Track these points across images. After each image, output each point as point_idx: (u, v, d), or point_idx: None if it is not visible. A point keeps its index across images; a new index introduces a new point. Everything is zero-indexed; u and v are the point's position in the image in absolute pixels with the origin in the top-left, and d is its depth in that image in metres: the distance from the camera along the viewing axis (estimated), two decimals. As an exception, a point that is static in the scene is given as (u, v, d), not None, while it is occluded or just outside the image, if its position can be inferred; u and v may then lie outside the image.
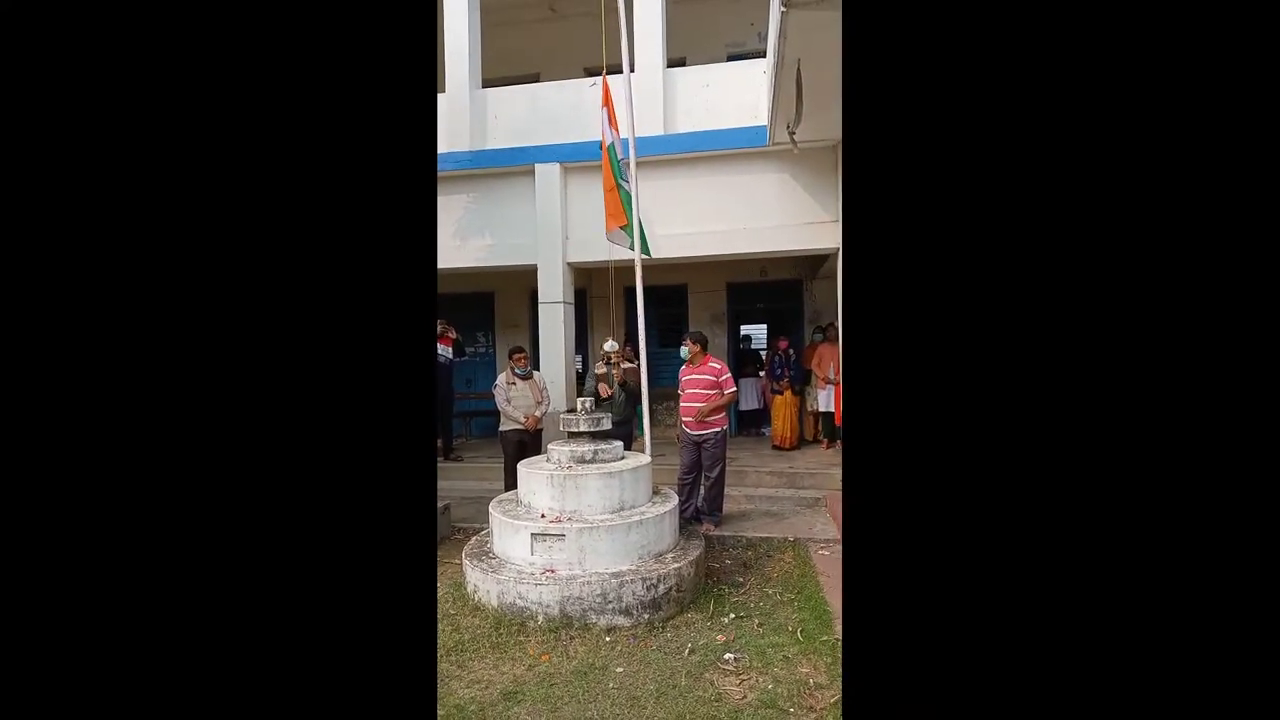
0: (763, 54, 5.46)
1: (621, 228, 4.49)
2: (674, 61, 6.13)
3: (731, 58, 6.80)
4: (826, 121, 4.55)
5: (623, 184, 4.43)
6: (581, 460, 3.34)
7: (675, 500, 3.46)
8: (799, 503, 4.98)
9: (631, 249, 4.42)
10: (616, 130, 4.49)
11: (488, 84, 6.28)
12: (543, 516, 3.13)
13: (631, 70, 4.54)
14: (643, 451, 4.07)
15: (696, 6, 6.88)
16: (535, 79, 6.93)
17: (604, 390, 4.72)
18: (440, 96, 6.12)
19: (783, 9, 3.24)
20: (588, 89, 5.74)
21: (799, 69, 3.93)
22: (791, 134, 4.77)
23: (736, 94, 5.59)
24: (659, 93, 5.64)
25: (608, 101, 4.47)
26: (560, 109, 5.90)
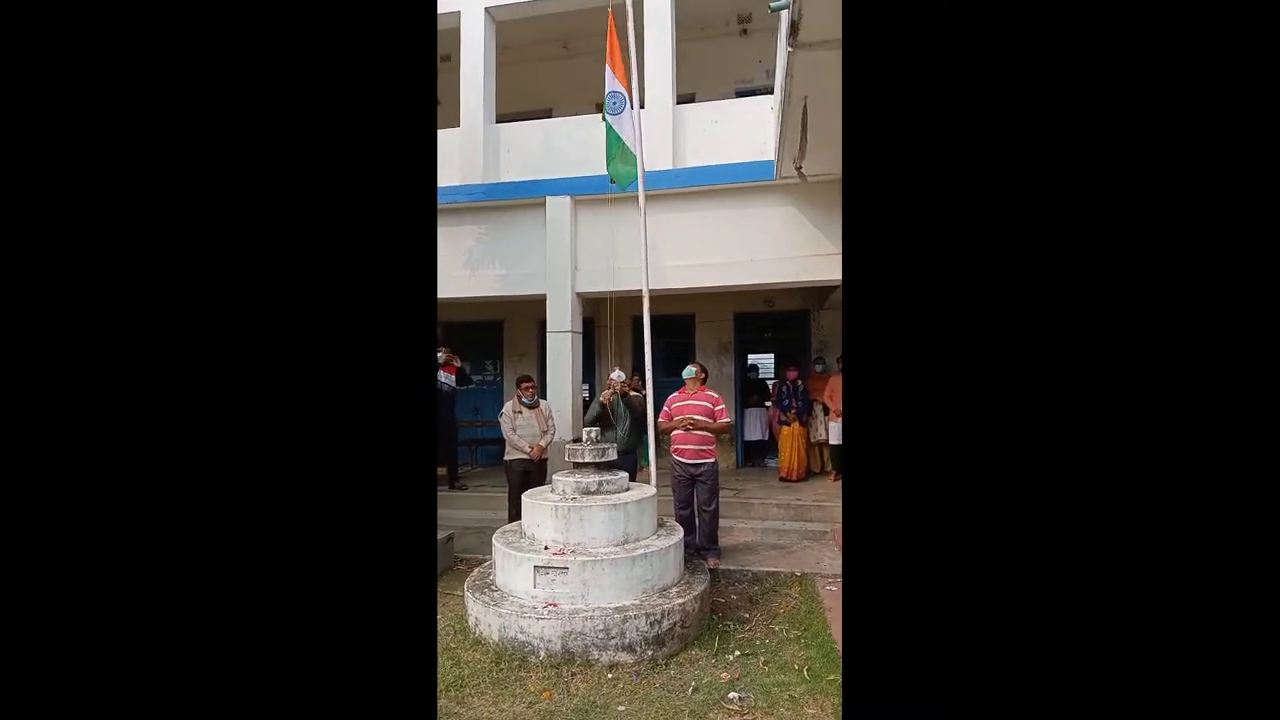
0: (770, 90, 5.58)
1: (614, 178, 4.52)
2: (683, 97, 6.27)
3: (740, 94, 6.94)
4: (832, 156, 4.62)
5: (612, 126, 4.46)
6: (586, 491, 3.32)
7: (680, 533, 3.42)
8: (806, 536, 4.91)
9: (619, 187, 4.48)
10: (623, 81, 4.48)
11: (501, 119, 6.44)
12: (546, 548, 3.10)
13: (642, 106, 4.66)
14: (648, 482, 4.05)
15: (706, 44, 7.06)
16: (548, 114, 7.10)
17: (606, 397, 4.67)
18: (454, 131, 6.28)
19: (789, 49, 3.32)
20: (599, 124, 5.87)
21: (805, 106, 4.01)
22: (798, 168, 4.84)
23: (744, 129, 5.69)
24: (669, 128, 5.76)
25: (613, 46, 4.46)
26: (572, 143, 6.02)
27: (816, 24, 3.07)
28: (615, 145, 4.48)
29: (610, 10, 4.50)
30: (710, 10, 6.63)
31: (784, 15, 3.23)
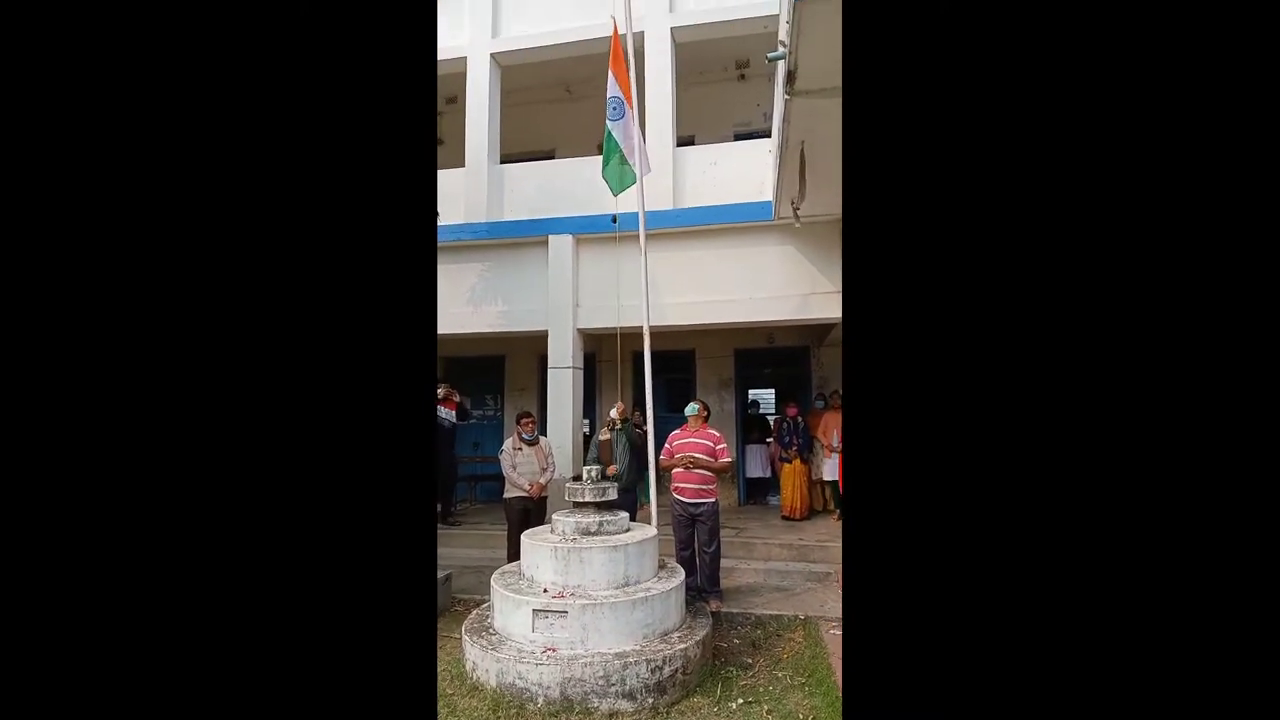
0: (768, 133, 5.72)
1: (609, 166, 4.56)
2: (683, 140, 6.43)
3: (738, 136, 7.12)
4: (829, 198, 4.71)
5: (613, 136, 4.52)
6: (586, 532, 3.28)
7: (681, 575, 3.37)
8: (809, 577, 4.83)
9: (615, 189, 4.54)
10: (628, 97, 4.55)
11: (505, 159, 6.59)
12: (545, 591, 3.05)
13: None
14: (649, 521, 4.01)
15: (705, 89, 7.26)
16: (550, 155, 7.27)
17: (611, 469, 4.65)
18: (459, 171, 6.41)
19: (786, 97, 3.42)
20: (600, 165, 6.00)
21: (802, 150, 4.11)
22: (795, 209, 4.93)
23: (742, 171, 5.82)
24: (669, 169, 5.88)
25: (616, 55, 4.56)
26: (574, 184, 6.15)
27: (812, 73, 3.17)
28: (613, 151, 4.57)
29: (614, 19, 4.65)
30: (709, 57, 6.83)
31: (780, 65, 3.33)
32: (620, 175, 4.57)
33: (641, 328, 4.44)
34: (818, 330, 6.91)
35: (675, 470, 4.20)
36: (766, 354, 7.56)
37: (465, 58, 6.50)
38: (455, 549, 5.57)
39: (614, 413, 4.79)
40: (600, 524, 3.32)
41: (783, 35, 3.17)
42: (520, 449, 4.79)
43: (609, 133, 4.56)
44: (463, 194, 6.33)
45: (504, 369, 7.95)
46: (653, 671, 2.77)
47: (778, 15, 4.18)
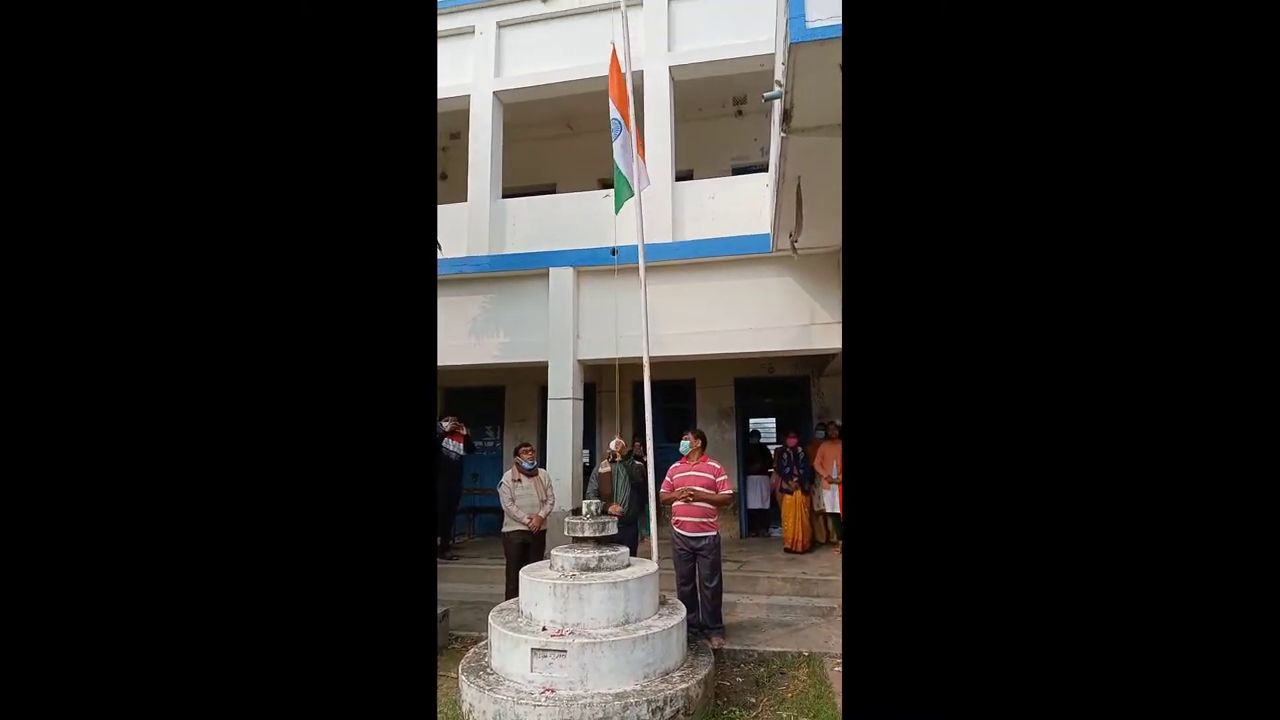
0: (765, 167, 5.82)
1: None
2: (682, 175, 6.54)
3: (736, 171, 7.24)
4: (827, 230, 4.78)
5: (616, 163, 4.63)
6: (585, 568, 3.24)
7: (683, 612, 3.32)
8: (813, 612, 4.75)
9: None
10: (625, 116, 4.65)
11: (508, 194, 6.70)
12: (544, 629, 3.00)
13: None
14: (649, 554, 3.96)
15: (703, 124, 7.42)
16: (552, 189, 7.39)
17: (615, 510, 4.61)
18: (462, 205, 6.51)
19: (783, 134, 3.50)
20: (601, 199, 6.10)
21: (799, 184, 4.18)
22: (793, 242, 4.99)
23: (740, 204, 5.91)
24: (668, 204, 5.98)
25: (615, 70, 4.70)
26: (575, 217, 6.24)
27: (807, 111, 3.25)
28: (616, 169, 4.69)
29: (613, 44, 4.78)
30: (706, 94, 7.00)
31: (776, 103, 3.42)
32: (619, 191, 4.69)
33: (641, 358, 4.46)
34: (817, 360, 6.93)
35: (676, 503, 4.16)
36: (767, 383, 7.56)
37: (469, 96, 6.66)
38: (453, 584, 5.49)
39: (613, 445, 4.77)
40: (600, 559, 3.28)
41: (778, 75, 3.25)
42: (519, 480, 4.76)
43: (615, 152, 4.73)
44: (465, 227, 6.42)
45: (504, 400, 7.94)
46: (654, 712, 2.71)
47: (773, 54, 4.30)
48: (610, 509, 4.50)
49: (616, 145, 4.66)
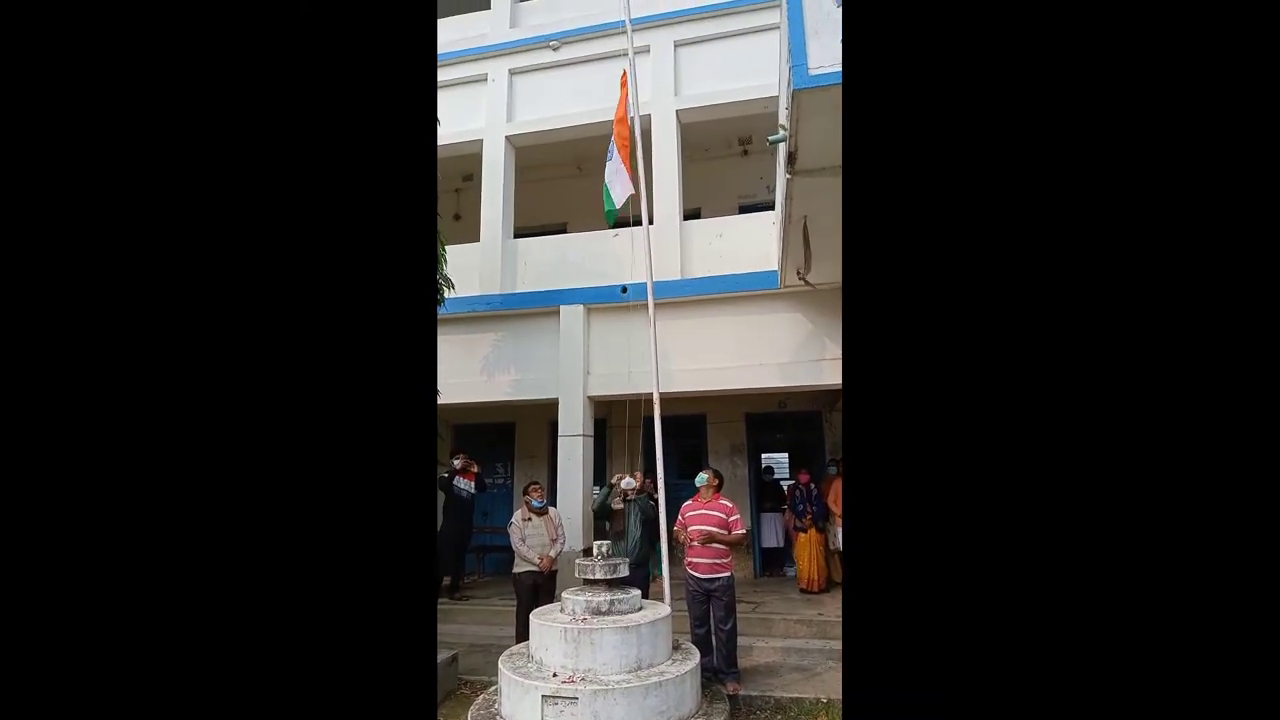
0: (771, 205, 5.91)
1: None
2: (689, 213, 6.64)
3: (742, 209, 7.34)
4: (833, 266, 4.81)
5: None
6: (597, 611, 3.19)
7: (697, 657, 3.24)
8: (830, 655, 4.61)
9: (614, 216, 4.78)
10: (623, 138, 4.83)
11: (519, 234, 6.82)
12: (554, 675, 2.94)
13: (650, 222, 4.93)
14: (662, 596, 3.89)
15: (710, 164, 7.57)
16: (562, 229, 7.52)
17: (616, 503, 4.62)
18: (474, 246, 6.64)
19: (788, 175, 3.56)
20: (611, 239, 6.20)
21: (805, 222, 4.23)
22: (802, 277, 5.03)
23: (747, 242, 5.98)
24: (676, 242, 6.06)
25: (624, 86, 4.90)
26: (585, 256, 6.33)
27: (811, 153, 3.32)
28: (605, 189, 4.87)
29: (623, 73, 4.93)
30: (713, 135, 7.16)
31: (781, 146, 3.49)
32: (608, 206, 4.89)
33: (652, 394, 4.46)
34: (829, 395, 6.89)
35: (689, 544, 4.11)
36: (778, 418, 7.51)
37: (482, 140, 6.85)
38: (463, 625, 5.41)
39: (624, 485, 4.73)
40: (611, 603, 3.23)
41: (783, 119, 3.33)
42: (530, 519, 4.72)
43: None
44: (478, 267, 6.53)
45: (514, 436, 7.93)
46: (668, 765, 2.62)
47: (777, 96, 4.41)
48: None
49: (609, 166, 4.87)
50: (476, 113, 6.97)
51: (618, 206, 4.80)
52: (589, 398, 6.09)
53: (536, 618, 3.30)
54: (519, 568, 4.62)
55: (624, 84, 4.91)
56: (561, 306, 6.18)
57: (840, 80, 2.66)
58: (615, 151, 4.84)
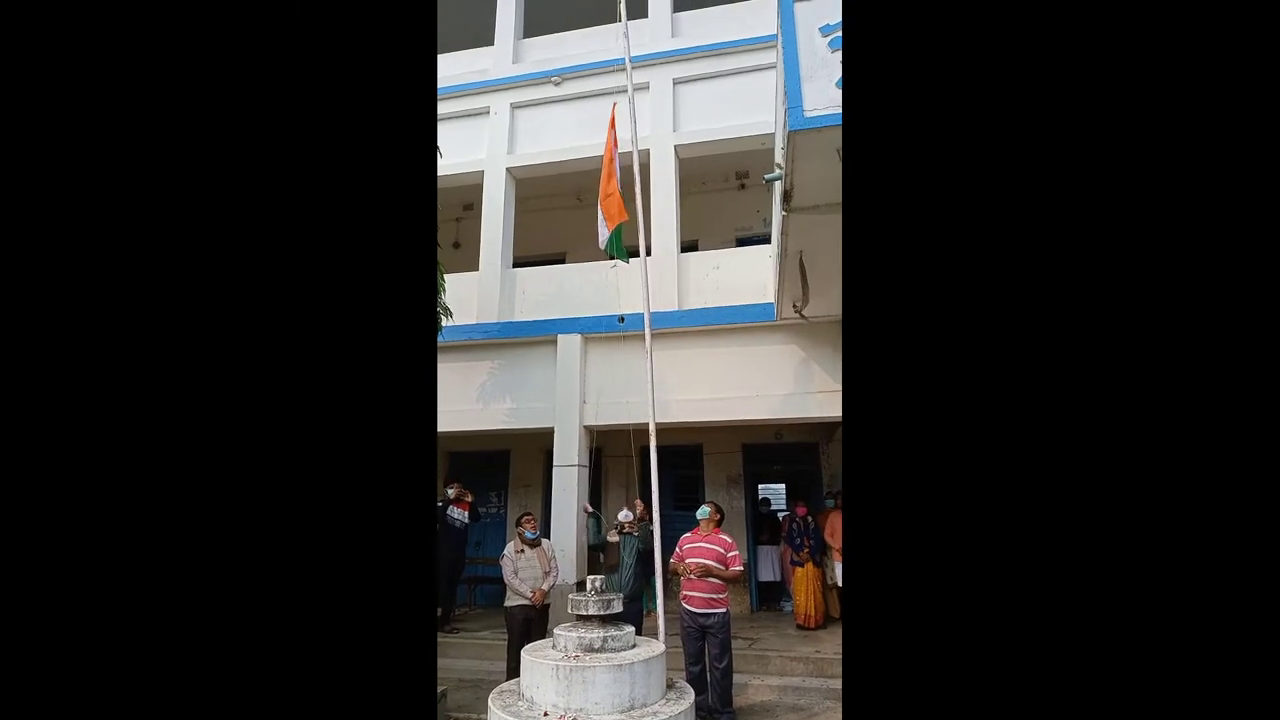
0: (768, 238, 5.98)
1: (612, 233, 4.85)
2: (687, 245, 6.72)
3: (740, 241, 7.44)
4: (829, 299, 4.85)
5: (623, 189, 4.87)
6: (590, 648, 3.13)
7: (691, 696, 3.17)
8: (828, 694, 4.52)
9: (612, 256, 4.87)
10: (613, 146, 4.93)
11: (518, 263, 6.88)
12: (545, 715, 2.87)
13: (648, 254, 4.99)
14: (656, 630, 3.82)
15: (707, 197, 7.68)
16: (561, 258, 7.59)
17: (612, 535, 4.59)
18: (473, 275, 6.69)
19: (784, 212, 3.62)
20: (608, 269, 6.26)
21: (801, 257, 4.29)
22: (798, 310, 5.07)
23: (744, 274, 6.04)
24: (673, 273, 6.12)
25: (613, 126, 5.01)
26: (583, 286, 6.38)
27: (807, 191, 3.38)
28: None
29: (614, 105, 5.05)
30: (710, 169, 7.29)
31: (777, 184, 3.56)
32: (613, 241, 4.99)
33: (648, 424, 4.45)
34: (825, 427, 6.88)
35: (685, 577, 4.05)
36: (775, 450, 7.48)
37: (483, 170, 6.95)
38: (453, 659, 5.29)
39: (621, 517, 4.68)
40: (605, 639, 3.17)
41: (779, 158, 3.40)
42: (522, 552, 4.66)
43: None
44: (476, 296, 6.56)
45: (509, 465, 7.88)
46: (660, 811, 2.54)
47: (773, 134, 4.51)
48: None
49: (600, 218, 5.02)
50: (478, 144, 7.10)
51: (602, 247, 4.97)
52: (585, 427, 6.07)
53: (528, 654, 3.23)
54: (511, 601, 4.54)
55: (612, 124, 5.03)
56: (559, 336, 6.20)
57: (835, 122, 2.73)
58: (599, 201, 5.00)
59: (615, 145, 5.00)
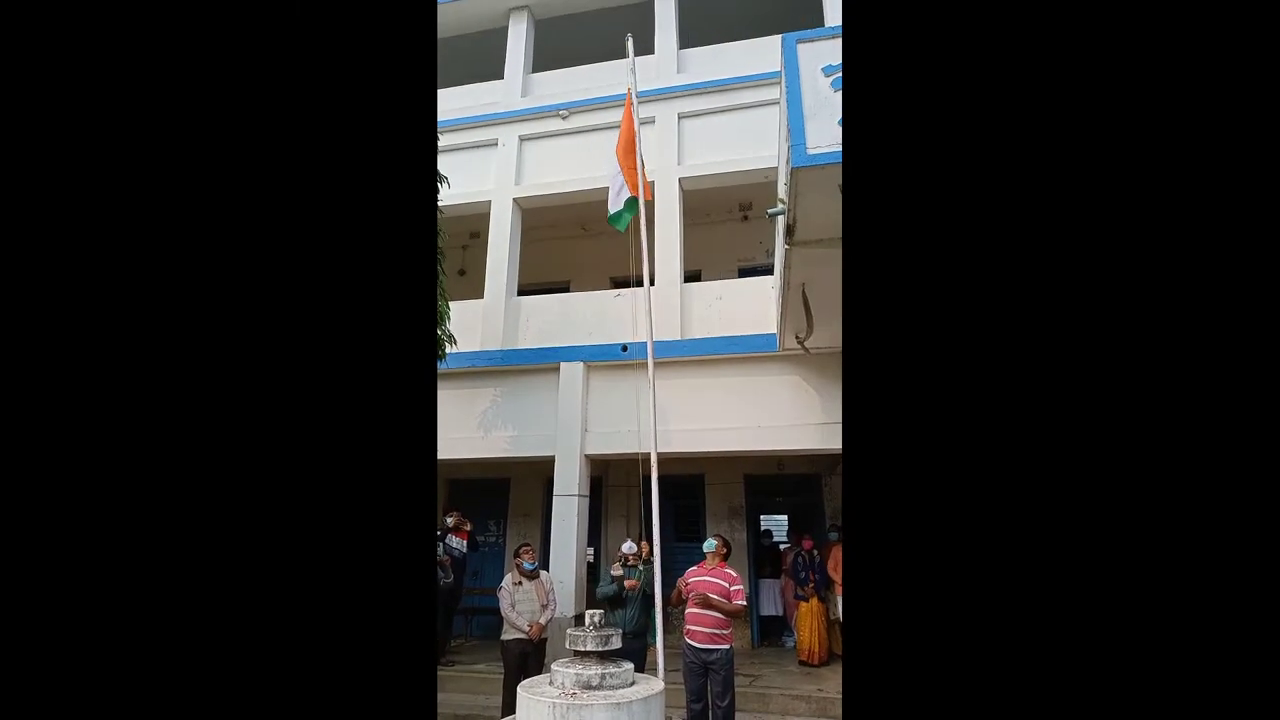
0: (770, 269, 6.03)
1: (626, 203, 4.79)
2: (690, 275, 6.77)
3: (742, 272, 7.49)
4: (831, 331, 4.87)
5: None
6: (587, 686, 3.05)
7: (691, 737, 3.09)
8: (832, 737, 4.40)
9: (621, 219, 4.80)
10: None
11: (523, 291, 6.94)
12: (541, 755, 2.79)
13: (652, 284, 5.02)
14: (656, 666, 3.74)
15: (710, 228, 7.76)
16: (566, 287, 7.65)
17: (631, 584, 4.49)
18: (478, 303, 6.74)
19: (786, 246, 3.66)
20: (612, 298, 6.30)
21: (804, 289, 4.31)
22: (800, 341, 5.08)
23: (747, 305, 6.07)
24: (676, 303, 6.16)
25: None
26: (587, 315, 6.42)
27: (809, 226, 3.42)
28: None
29: (628, 90, 5.07)
30: (714, 201, 7.38)
31: (780, 218, 3.60)
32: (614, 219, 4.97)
33: (649, 454, 4.42)
34: (828, 459, 6.83)
35: (688, 611, 3.98)
36: (777, 481, 7.42)
37: (490, 201, 7.06)
38: (448, 694, 5.17)
39: (625, 547, 4.62)
40: (603, 677, 3.09)
41: (781, 193, 3.45)
42: (520, 583, 4.59)
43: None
44: (480, 323, 6.60)
45: (509, 493, 7.81)
46: None
47: (776, 168, 4.58)
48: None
49: (611, 179, 5.01)
50: (486, 175, 7.22)
51: (616, 210, 4.91)
52: (586, 456, 6.04)
53: (524, 690, 3.16)
54: (508, 634, 4.46)
55: (629, 103, 5.09)
56: (561, 364, 6.21)
57: (837, 160, 2.78)
58: (616, 167, 4.98)
59: (635, 116, 5.03)
